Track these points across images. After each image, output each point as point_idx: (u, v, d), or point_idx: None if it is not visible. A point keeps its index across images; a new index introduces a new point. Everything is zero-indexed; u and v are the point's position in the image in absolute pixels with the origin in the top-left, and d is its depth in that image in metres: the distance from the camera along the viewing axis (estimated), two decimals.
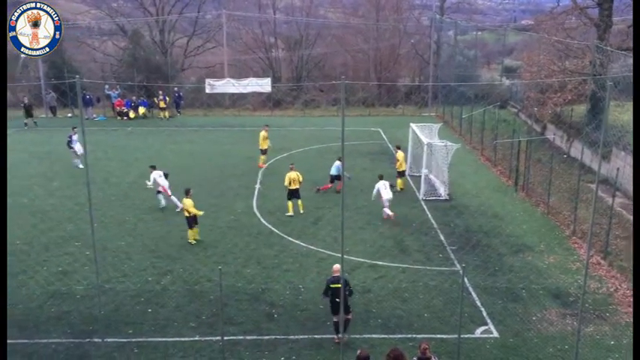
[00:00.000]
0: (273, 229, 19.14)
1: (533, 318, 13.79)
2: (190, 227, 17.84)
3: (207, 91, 39.32)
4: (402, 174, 23.30)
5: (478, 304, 14.41)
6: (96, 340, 12.72)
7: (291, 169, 20.61)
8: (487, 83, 38.90)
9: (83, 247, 17.19)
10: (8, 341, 12.51)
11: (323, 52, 48.29)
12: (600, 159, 11.84)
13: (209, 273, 15.74)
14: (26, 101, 36.28)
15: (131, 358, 12.21)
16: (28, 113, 35.24)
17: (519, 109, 35.82)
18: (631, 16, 24.63)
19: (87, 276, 15.46)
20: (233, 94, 40.90)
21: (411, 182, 23.92)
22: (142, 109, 38.31)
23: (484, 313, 13.98)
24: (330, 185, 22.65)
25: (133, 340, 12.80)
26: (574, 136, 27.14)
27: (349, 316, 12.73)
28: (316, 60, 48.27)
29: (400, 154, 23.36)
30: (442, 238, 18.55)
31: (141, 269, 16.15)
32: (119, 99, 38.73)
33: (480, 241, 18.08)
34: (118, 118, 37.84)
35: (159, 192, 20.76)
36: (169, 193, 20.57)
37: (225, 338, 12.40)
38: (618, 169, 18.79)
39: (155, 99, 38.81)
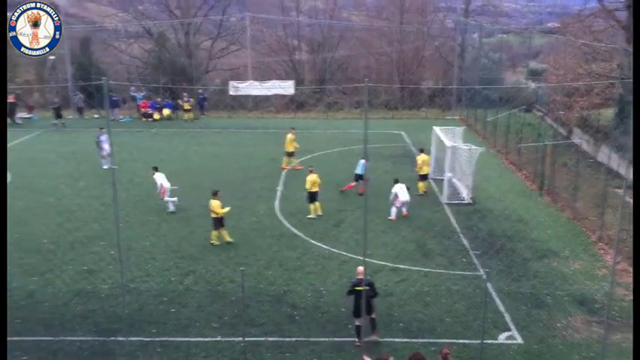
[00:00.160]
0: (295, 231, 19.19)
1: (558, 324, 13.59)
2: (216, 228, 17.93)
3: (231, 93, 39.57)
4: (424, 177, 23.15)
5: (501, 309, 14.26)
6: (120, 338, 12.87)
7: (311, 172, 20.65)
8: (512, 86, 38.51)
9: (108, 246, 17.42)
10: (34, 338, 12.84)
11: (346, 54, 48.26)
12: (628, 164, 11.63)
13: (231, 274, 15.84)
14: (57, 102, 36.96)
15: (154, 357, 12.34)
16: (58, 114, 35.83)
17: (545, 113, 35.37)
18: None
19: (112, 275, 15.67)
20: (256, 97, 41.08)
21: (433, 186, 23.77)
22: (166, 111, 38.72)
23: (508, 319, 13.82)
24: (353, 184, 22.54)
25: (156, 339, 12.93)
26: (601, 140, 26.71)
27: (373, 315, 12.69)
28: (339, 62, 48.28)
29: (422, 157, 23.20)
30: (465, 242, 18.40)
31: (164, 269, 16.31)
32: (144, 100, 39.21)
33: (503, 246, 17.89)
34: (143, 119, 38.28)
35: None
36: (165, 195, 20.71)
37: (247, 339, 12.49)
38: None
39: (179, 101, 39.21)
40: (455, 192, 22.33)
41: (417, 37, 46.59)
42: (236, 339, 12.77)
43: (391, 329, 13.28)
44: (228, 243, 17.82)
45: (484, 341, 11.89)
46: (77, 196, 22.12)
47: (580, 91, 26.31)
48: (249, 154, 29.23)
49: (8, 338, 12.41)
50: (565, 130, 30.97)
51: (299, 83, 42.48)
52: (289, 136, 26.54)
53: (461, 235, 18.99)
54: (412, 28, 46.07)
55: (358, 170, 22.37)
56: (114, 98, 37.73)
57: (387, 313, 13.86)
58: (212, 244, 17.92)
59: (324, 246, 17.96)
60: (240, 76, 43.60)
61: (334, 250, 17.66)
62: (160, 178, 20.92)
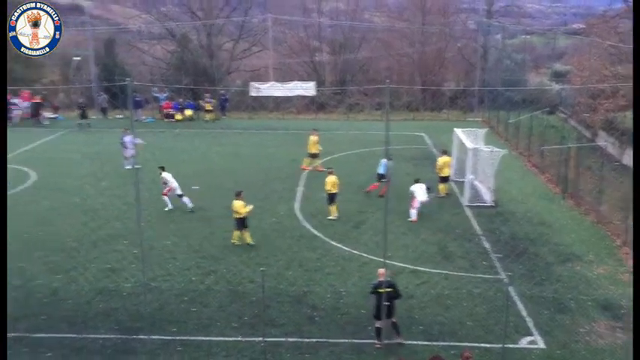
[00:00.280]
0: (315, 232, 19.21)
1: (582, 330, 13.40)
2: (238, 229, 18.00)
3: (252, 94, 39.75)
4: (444, 179, 22.99)
5: (523, 313, 14.10)
6: (142, 337, 13.00)
7: (331, 173, 20.65)
8: (535, 88, 38.10)
9: (130, 245, 17.61)
10: (58, 335, 13.03)
11: (367, 55, 48.20)
12: None
13: (251, 274, 15.90)
14: (83, 102, 37.52)
15: (175, 356, 12.45)
16: (84, 114, 36.33)
17: (569, 115, 34.90)
18: None
19: (134, 274, 15.84)
20: (277, 98, 41.23)
21: (455, 188, 23.60)
22: (188, 112, 39.04)
23: (530, 323, 13.67)
24: (377, 185, 22.41)
25: (177, 338, 13.05)
26: (627, 143, 26.27)
27: (394, 320, 12.66)
28: (360, 64, 48.22)
29: (443, 159, 23.05)
30: (486, 245, 18.24)
31: (185, 268, 16.45)
32: (167, 101, 39.59)
33: (526, 249, 17.69)
34: (165, 120, 38.64)
35: (180, 196, 21.07)
36: (167, 193, 20.92)
37: (267, 339, 12.54)
38: None
39: (201, 101, 39.52)
40: (476, 194, 22.15)
41: (439, 39, 46.34)
42: (256, 339, 12.83)
43: (411, 332, 13.22)
44: (249, 245, 17.87)
45: (505, 345, 11.78)
46: (101, 196, 22.40)
47: (605, 93, 25.91)
48: (270, 155, 29.34)
49: (33, 335, 12.70)
50: (590, 133, 30.53)
51: (320, 84, 42.53)
52: (312, 137, 26.52)
53: (482, 237, 18.83)
54: (434, 29, 45.84)
55: (380, 170, 22.29)
56: (137, 99, 38.10)
57: (407, 315, 13.80)
58: (233, 243, 18.02)
59: (344, 247, 17.95)
60: (262, 77, 43.81)
61: (354, 251, 17.64)
62: (168, 177, 21.12)
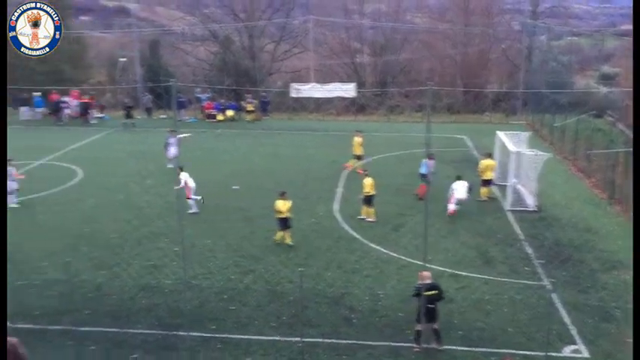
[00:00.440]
0: (354, 233, 19.17)
1: (628, 340, 12.96)
2: (281, 229, 18.09)
3: (293, 95, 39.94)
4: (487, 183, 22.62)
5: (567, 321, 13.75)
6: (181, 333, 13.20)
7: (366, 175, 20.63)
8: (582, 90, 37.16)
9: (172, 243, 17.90)
10: (101, 329, 13.35)
11: (409, 57, 47.87)
12: None
13: (290, 274, 15.98)
14: (128, 102, 38.43)
15: (214, 353, 12.60)
16: (129, 114, 37.19)
17: (617, 119, 33.90)
18: None
19: (175, 271, 16.12)
20: (318, 99, 41.34)
21: (497, 192, 23.20)
22: (230, 112, 39.49)
23: (574, 332, 13.32)
24: (425, 187, 22.00)
25: (216, 335, 13.20)
26: None
27: (436, 326, 12.52)
28: (402, 65, 47.93)
29: (486, 162, 22.67)
30: (529, 250, 17.87)
31: (224, 267, 16.64)
32: (209, 102, 40.16)
33: (570, 256, 17.26)
34: (207, 120, 39.18)
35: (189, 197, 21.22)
36: (191, 195, 20.97)
37: (305, 340, 12.57)
38: None
39: (243, 102, 39.95)
40: (519, 199, 21.71)
41: (482, 40, 45.67)
42: (294, 339, 12.88)
43: (450, 337, 13.04)
44: (288, 245, 17.96)
45: (548, 354, 11.51)
46: (144, 194, 22.87)
47: None
48: (309, 156, 29.43)
49: (78, 328, 13.04)
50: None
51: (360, 86, 42.45)
52: (356, 139, 26.43)
53: (524, 243, 18.45)
54: (477, 30, 45.20)
55: (422, 170, 22.01)
56: (181, 99, 38.76)
57: (446, 320, 13.62)
58: (274, 241, 18.11)
59: (382, 249, 17.86)
60: (302, 79, 43.97)
61: (393, 254, 17.53)
62: (185, 177, 21.28)
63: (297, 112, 41.93)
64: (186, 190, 20.93)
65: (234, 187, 23.71)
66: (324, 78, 43.10)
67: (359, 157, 26.32)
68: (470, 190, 20.49)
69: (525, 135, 24.21)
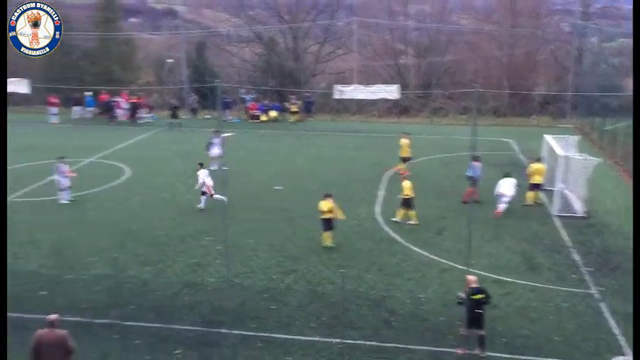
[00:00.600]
0: (395, 236, 19.06)
1: None
2: (325, 230, 18.08)
3: (336, 96, 39.97)
4: (535, 187, 22.09)
5: (616, 331, 13.32)
6: (223, 330, 13.35)
7: (405, 178, 20.45)
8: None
9: (215, 241, 18.14)
10: (146, 324, 13.63)
11: (453, 58, 47.29)
12: None
13: (331, 275, 15.99)
14: (174, 103, 39.23)
15: (255, 351, 12.71)
16: (174, 115, 37.94)
17: None
18: None
19: (218, 269, 16.34)
20: (361, 100, 41.27)
21: (544, 197, 22.66)
22: (273, 113, 39.82)
23: (622, 342, 12.89)
24: (472, 189, 21.68)
25: (257, 334, 13.31)
26: None
27: (482, 332, 12.32)
28: (446, 66, 47.38)
29: (535, 166, 22.10)
30: (576, 257, 17.39)
31: (266, 267, 16.77)
32: (253, 102, 40.59)
33: (620, 264, 16.70)
34: (250, 121, 39.60)
35: (203, 193, 21.35)
36: (212, 192, 21.09)
37: (345, 341, 12.56)
38: None
39: (287, 103, 40.22)
40: (567, 204, 21.15)
41: (530, 41, 44.71)
42: (334, 340, 12.87)
43: (494, 343, 12.80)
44: (329, 247, 17.95)
45: None
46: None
47: None
48: (352, 158, 29.40)
49: (124, 322, 13.35)
50: None
51: (404, 87, 42.18)
52: (404, 141, 26.22)
53: (572, 249, 17.97)
54: (524, 31, 44.26)
55: (470, 172, 21.60)
56: (226, 100, 39.32)
57: (490, 326, 13.34)
58: (323, 242, 18.03)
59: (424, 253, 17.69)
60: (346, 80, 43.98)
61: (435, 257, 17.35)
62: (204, 175, 21.48)
63: (340, 114, 41.96)
64: (207, 189, 21.18)
65: (276, 188, 23.88)
66: (368, 79, 43.00)
67: (405, 160, 26.09)
68: (518, 187, 20.12)
69: (574, 139, 23.61)
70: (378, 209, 21.67)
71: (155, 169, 27.19)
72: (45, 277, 15.81)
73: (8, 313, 10.13)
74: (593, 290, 15.20)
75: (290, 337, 13.21)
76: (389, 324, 13.73)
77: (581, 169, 20.63)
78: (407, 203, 20.02)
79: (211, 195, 21.24)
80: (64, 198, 22.01)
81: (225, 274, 15.43)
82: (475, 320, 12.13)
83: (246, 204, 21.82)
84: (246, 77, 47.10)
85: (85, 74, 44.83)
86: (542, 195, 22.66)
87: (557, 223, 20.25)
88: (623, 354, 12.48)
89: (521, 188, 21.55)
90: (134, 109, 39.64)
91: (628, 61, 43.10)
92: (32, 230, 18.99)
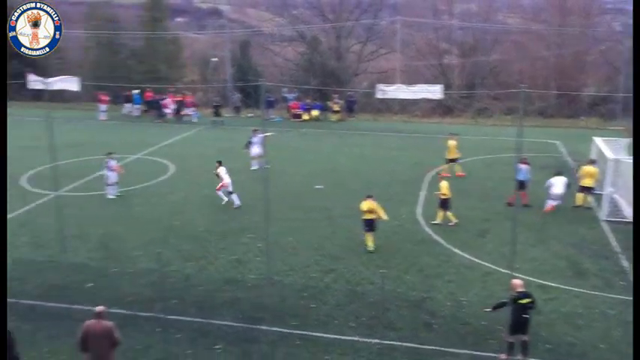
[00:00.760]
0: (436, 237, 18.84)
1: None
2: (367, 230, 17.93)
3: (379, 96, 39.58)
4: (584, 189, 21.44)
5: None
6: (263, 327, 13.47)
7: (442, 179, 20.20)
8: None
9: (256, 239, 18.31)
10: (187, 318, 13.85)
11: (499, 58, 46.45)
12: None
13: (371, 275, 15.93)
14: (217, 101, 39.78)
15: (294, 349, 12.77)
16: (217, 113, 38.47)
17: None
18: None
19: (258, 267, 16.49)
20: (403, 100, 40.92)
21: (592, 201, 22.01)
22: (314, 112, 39.91)
23: None
24: (524, 193, 21.17)
25: (296, 332, 13.36)
26: None
27: (526, 338, 12.07)
28: (491, 66, 46.57)
29: (587, 169, 21.44)
30: (625, 264, 16.84)
31: (306, 265, 16.82)
32: (295, 101, 40.78)
33: None
34: (292, 119, 39.78)
35: (230, 192, 21.39)
36: (220, 188, 21.26)
37: (384, 342, 12.51)
38: None
39: (329, 102, 40.25)
40: (616, 209, 20.51)
41: (579, 41, 43.51)
42: (372, 340, 12.83)
43: (538, 349, 12.52)
44: (369, 251, 17.74)
45: None
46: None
47: None
48: (394, 158, 29.22)
49: (166, 316, 13.62)
50: None
51: (447, 88, 41.63)
52: (451, 142, 25.86)
53: (621, 255, 17.41)
54: (573, 30, 43.10)
55: (520, 176, 21.06)
56: (269, 99, 39.59)
57: (534, 332, 13.05)
58: (367, 247, 17.77)
59: (466, 255, 17.43)
60: (388, 80, 43.72)
61: (477, 260, 17.07)
62: (223, 173, 21.55)
63: (382, 113, 41.75)
64: (224, 186, 21.35)
65: (317, 187, 23.91)
66: (410, 79, 42.65)
67: (452, 160, 25.73)
68: (568, 186, 19.63)
69: (625, 141, 22.87)
70: (419, 210, 21.47)
71: (198, 166, 27.59)
72: (92, 270, 16.26)
73: (56, 304, 10.53)
74: None
75: (329, 335, 13.22)
76: (429, 326, 13.59)
77: (631, 172, 19.94)
78: (444, 204, 19.79)
79: (218, 189, 21.48)
80: (111, 193, 22.59)
81: (266, 271, 15.56)
82: (521, 325, 11.87)
83: (288, 202, 21.92)
84: (288, 76, 47.37)
85: (132, 72, 45.96)
86: (590, 199, 22.03)
87: (606, 227, 19.66)
88: None
89: (570, 190, 21.01)
90: (179, 106, 40.36)
91: None
92: (80, 224, 19.55)
